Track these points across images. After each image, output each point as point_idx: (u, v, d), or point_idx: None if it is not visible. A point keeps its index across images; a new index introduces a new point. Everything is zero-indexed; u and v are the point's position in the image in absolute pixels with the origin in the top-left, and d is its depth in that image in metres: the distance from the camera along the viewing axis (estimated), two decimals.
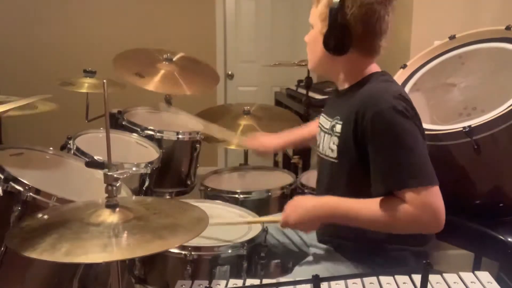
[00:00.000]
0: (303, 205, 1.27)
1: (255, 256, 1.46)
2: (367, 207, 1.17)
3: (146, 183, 1.84)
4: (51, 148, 1.62)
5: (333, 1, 1.19)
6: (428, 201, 1.10)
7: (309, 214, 1.25)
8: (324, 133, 1.34)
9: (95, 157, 1.59)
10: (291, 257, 1.53)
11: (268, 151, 1.82)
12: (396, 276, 1.04)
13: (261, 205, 1.91)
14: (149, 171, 1.81)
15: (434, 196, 1.11)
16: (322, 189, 1.38)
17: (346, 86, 1.32)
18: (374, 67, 1.29)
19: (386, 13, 1.21)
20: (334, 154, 1.27)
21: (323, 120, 1.38)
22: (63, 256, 0.85)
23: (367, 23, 1.20)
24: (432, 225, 1.13)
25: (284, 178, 2.16)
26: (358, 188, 1.21)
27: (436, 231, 1.14)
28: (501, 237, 1.47)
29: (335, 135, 1.26)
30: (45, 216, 1.06)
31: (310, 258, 1.40)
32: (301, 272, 1.32)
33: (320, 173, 1.41)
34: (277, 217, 1.37)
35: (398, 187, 1.13)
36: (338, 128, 1.25)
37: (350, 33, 1.19)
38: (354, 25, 1.19)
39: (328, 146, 1.29)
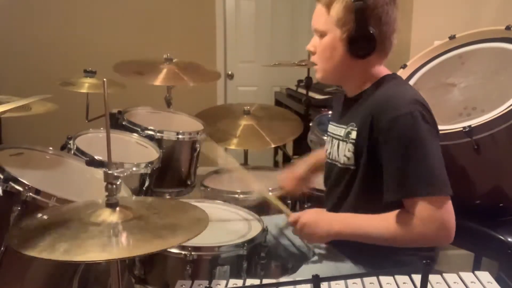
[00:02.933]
0: (318, 211, 1.31)
1: (255, 256, 1.46)
2: (376, 223, 1.19)
3: (146, 183, 1.84)
4: (51, 148, 1.61)
5: (354, 6, 1.19)
6: (435, 214, 1.10)
7: (321, 223, 1.27)
8: (337, 140, 1.33)
9: (95, 157, 1.58)
10: (291, 258, 1.53)
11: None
12: (396, 276, 1.03)
13: (261, 205, 1.90)
14: (149, 171, 1.81)
15: (443, 208, 1.10)
16: (333, 196, 1.35)
17: (357, 91, 1.30)
18: (383, 70, 1.30)
19: (398, 11, 1.24)
20: (351, 161, 1.25)
21: (334, 128, 1.37)
22: (62, 255, 0.85)
23: (387, 23, 1.22)
24: (441, 239, 1.14)
25: None
26: (372, 195, 1.21)
27: (446, 244, 1.14)
28: (501, 237, 1.47)
29: (351, 142, 1.25)
30: (45, 216, 1.05)
31: (314, 257, 1.40)
32: (302, 272, 1.31)
33: (332, 181, 1.38)
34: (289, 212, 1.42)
35: (407, 195, 1.13)
36: (354, 134, 1.24)
37: (375, 34, 1.20)
38: (378, 26, 1.21)
39: (344, 154, 1.28)
